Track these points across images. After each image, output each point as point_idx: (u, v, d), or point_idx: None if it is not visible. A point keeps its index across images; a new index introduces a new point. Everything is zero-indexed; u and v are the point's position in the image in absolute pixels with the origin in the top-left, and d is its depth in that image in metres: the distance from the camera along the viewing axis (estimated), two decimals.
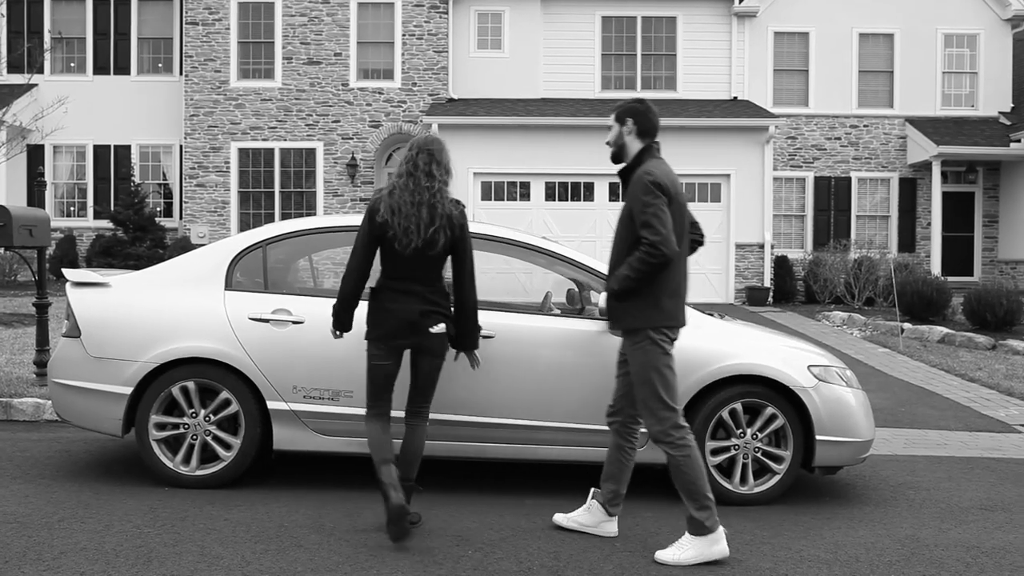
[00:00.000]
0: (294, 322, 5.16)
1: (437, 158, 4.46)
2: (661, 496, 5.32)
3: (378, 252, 4.49)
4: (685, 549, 4.16)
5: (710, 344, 5.16)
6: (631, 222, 4.29)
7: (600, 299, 4.85)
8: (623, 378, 4.50)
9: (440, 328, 4.46)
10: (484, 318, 5.04)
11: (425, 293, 4.44)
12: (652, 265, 4.13)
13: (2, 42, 20.53)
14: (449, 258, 4.52)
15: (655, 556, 4.19)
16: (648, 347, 4.23)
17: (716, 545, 4.16)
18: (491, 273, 5.67)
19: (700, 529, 4.16)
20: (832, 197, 20.69)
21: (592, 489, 4.66)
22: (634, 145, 4.41)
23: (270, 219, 19.61)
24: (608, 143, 4.51)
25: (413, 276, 4.43)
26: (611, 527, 4.55)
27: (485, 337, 5.05)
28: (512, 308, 5.31)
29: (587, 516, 4.58)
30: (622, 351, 4.46)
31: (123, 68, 20.61)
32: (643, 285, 4.21)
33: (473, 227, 5.21)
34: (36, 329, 7.85)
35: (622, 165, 4.45)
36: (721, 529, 4.19)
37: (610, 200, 18.56)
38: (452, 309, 4.55)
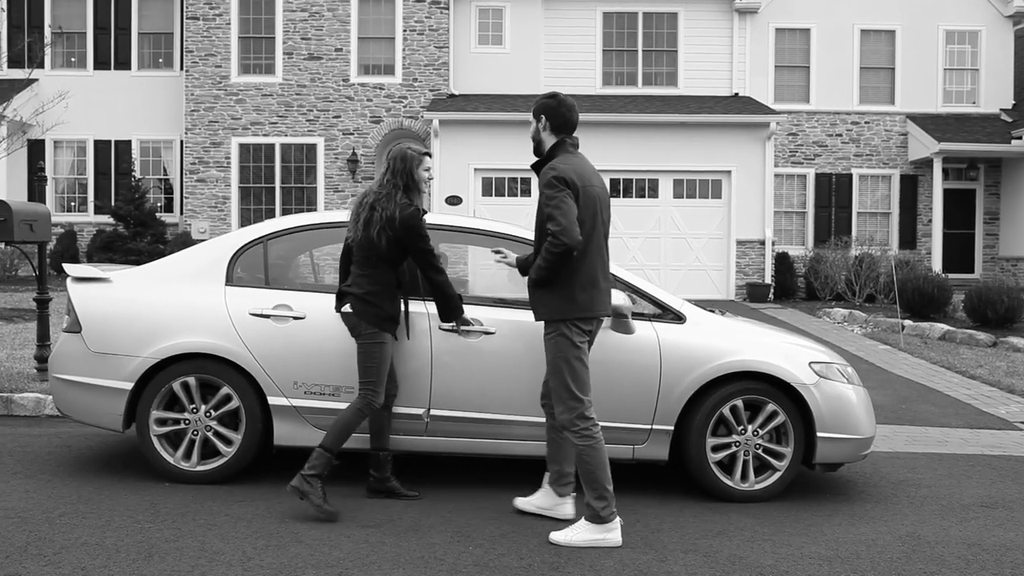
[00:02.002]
0: (295, 318, 5.16)
1: (391, 165, 4.88)
2: (663, 493, 5.32)
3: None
4: (578, 532, 4.32)
5: (711, 341, 5.15)
6: (543, 214, 4.42)
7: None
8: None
9: (346, 308, 4.82)
10: (484, 314, 5.06)
11: (355, 277, 4.85)
12: (556, 255, 4.23)
13: (3, 37, 20.50)
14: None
15: (549, 536, 4.35)
16: (558, 339, 4.37)
17: (609, 534, 4.32)
18: (493, 268, 5.70)
19: (596, 518, 4.32)
20: (833, 194, 20.67)
21: (546, 473, 4.81)
22: (548, 140, 4.54)
23: (271, 215, 19.59)
24: (531, 137, 4.65)
25: (356, 262, 4.86)
26: (567, 509, 4.71)
27: (486, 333, 5.05)
28: (512, 304, 5.28)
29: (543, 499, 4.77)
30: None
31: (123, 63, 20.59)
32: (555, 275, 4.32)
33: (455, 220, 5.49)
34: (37, 324, 7.85)
35: (539, 164, 4.58)
36: (618, 520, 4.35)
37: (610, 196, 18.55)
38: (373, 292, 4.78)
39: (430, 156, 5.02)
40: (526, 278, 4.96)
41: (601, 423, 5.07)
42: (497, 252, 4.97)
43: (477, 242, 5.62)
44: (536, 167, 4.54)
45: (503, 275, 5.32)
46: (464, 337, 5.09)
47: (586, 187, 4.37)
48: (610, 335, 5.07)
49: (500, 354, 5.08)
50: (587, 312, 4.36)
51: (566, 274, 4.33)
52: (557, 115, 4.50)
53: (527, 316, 5.15)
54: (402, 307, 5.01)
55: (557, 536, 4.33)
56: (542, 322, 4.60)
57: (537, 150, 4.60)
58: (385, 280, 4.83)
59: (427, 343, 5.10)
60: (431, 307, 5.16)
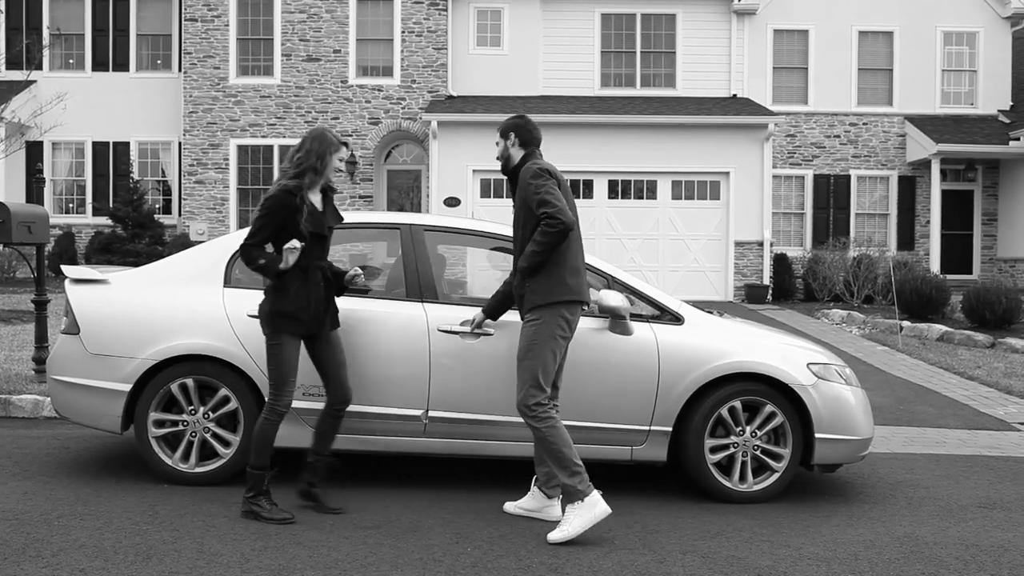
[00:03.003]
0: None
1: (298, 144, 4.80)
2: (661, 494, 5.32)
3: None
4: (569, 524, 4.35)
5: (709, 342, 5.16)
6: (527, 211, 4.55)
7: (602, 296, 4.87)
8: None
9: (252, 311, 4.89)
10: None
11: None
12: (554, 235, 4.40)
13: (1, 38, 20.50)
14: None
15: (547, 538, 4.34)
16: (542, 326, 4.48)
17: (596, 507, 4.36)
18: (490, 270, 5.71)
19: (575, 495, 4.37)
20: (831, 195, 20.69)
21: (534, 476, 4.81)
22: (517, 154, 4.75)
23: None
24: (497, 158, 4.83)
25: None
26: (555, 511, 4.71)
27: (484, 335, 5.06)
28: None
29: (531, 502, 4.79)
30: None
31: (122, 64, 20.59)
32: (548, 258, 4.46)
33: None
34: (35, 326, 7.85)
35: (513, 172, 4.76)
36: (596, 492, 4.39)
37: (609, 198, 18.57)
38: (268, 288, 4.67)
39: (347, 147, 4.93)
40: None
41: (599, 424, 5.07)
42: (466, 329, 5.05)
43: (473, 243, 5.63)
44: (511, 173, 4.74)
45: (500, 276, 5.32)
46: (463, 339, 5.09)
47: (561, 182, 4.60)
48: (608, 336, 5.07)
49: (500, 355, 5.08)
50: (577, 295, 4.53)
51: (555, 261, 4.50)
52: (525, 131, 4.73)
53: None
54: (312, 304, 4.63)
55: (555, 535, 4.35)
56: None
57: (505, 166, 4.79)
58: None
59: (425, 344, 5.10)
60: (429, 309, 5.16)
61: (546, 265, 4.49)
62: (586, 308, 4.75)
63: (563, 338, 4.54)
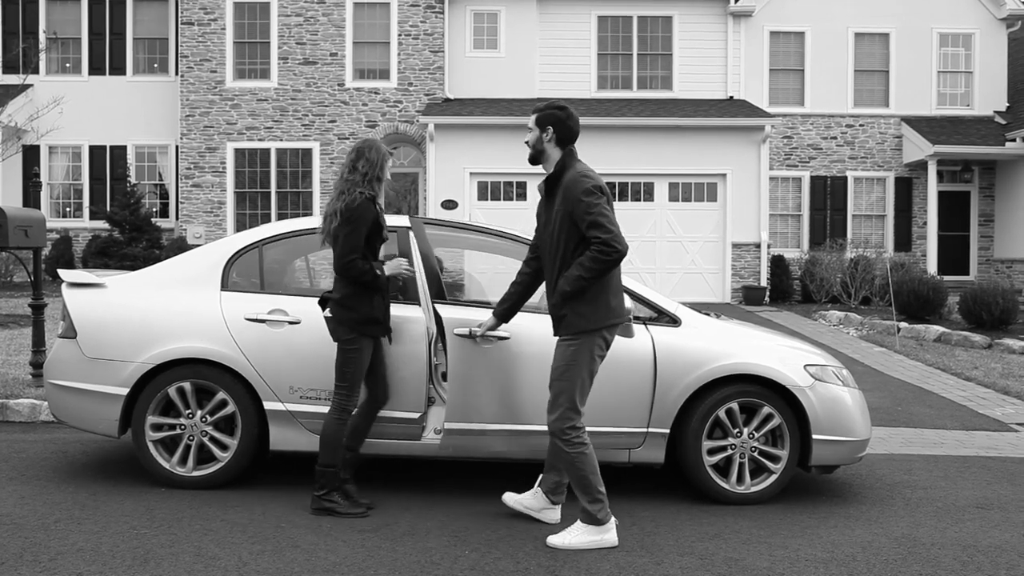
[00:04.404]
0: (290, 322, 5.16)
1: (356, 155, 4.83)
2: (659, 496, 5.32)
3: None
4: (574, 535, 4.33)
5: (706, 344, 5.16)
6: (571, 225, 4.31)
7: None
8: None
9: (326, 313, 4.81)
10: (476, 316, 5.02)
11: (334, 280, 4.81)
12: (606, 263, 4.20)
13: None
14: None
15: (547, 540, 4.35)
16: (581, 349, 4.32)
17: (606, 534, 4.34)
18: (506, 273, 5.69)
19: (592, 520, 4.34)
20: (828, 196, 20.71)
21: (540, 475, 4.78)
22: (554, 152, 4.48)
23: (266, 219, 19.59)
24: (527, 143, 4.55)
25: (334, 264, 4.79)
26: (554, 515, 4.70)
27: (500, 338, 5.00)
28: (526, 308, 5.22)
29: (532, 500, 4.75)
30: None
31: (119, 68, 20.57)
32: (594, 284, 4.27)
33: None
34: (32, 330, 7.84)
35: (540, 169, 4.57)
36: (613, 520, 4.37)
37: None
38: (348, 295, 4.73)
39: (392, 155, 5.00)
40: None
41: (598, 427, 5.06)
42: (474, 335, 4.90)
43: (471, 244, 5.63)
44: (550, 179, 4.46)
45: (509, 279, 5.34)
46: (480, 343, 4.99)
47: (609, 197, 4.36)
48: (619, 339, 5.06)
49: (518, 359, 5.02)
50: (619, 317, 4.37)
51: (602, 282, 4.30)
52: (566, 128, 4.45)
53: (536, 320, 5.09)
54: (388, 308, 4.88)
55: (554, 540, 4.34)
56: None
57: (535, 158, 4.54)
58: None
59: (424, 346, 5.09)
60: (445, 311, 5.09)
61: (590, 289, 4.29)
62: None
63: (600, 358, 4.40)
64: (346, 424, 4.78)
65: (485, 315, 4.99)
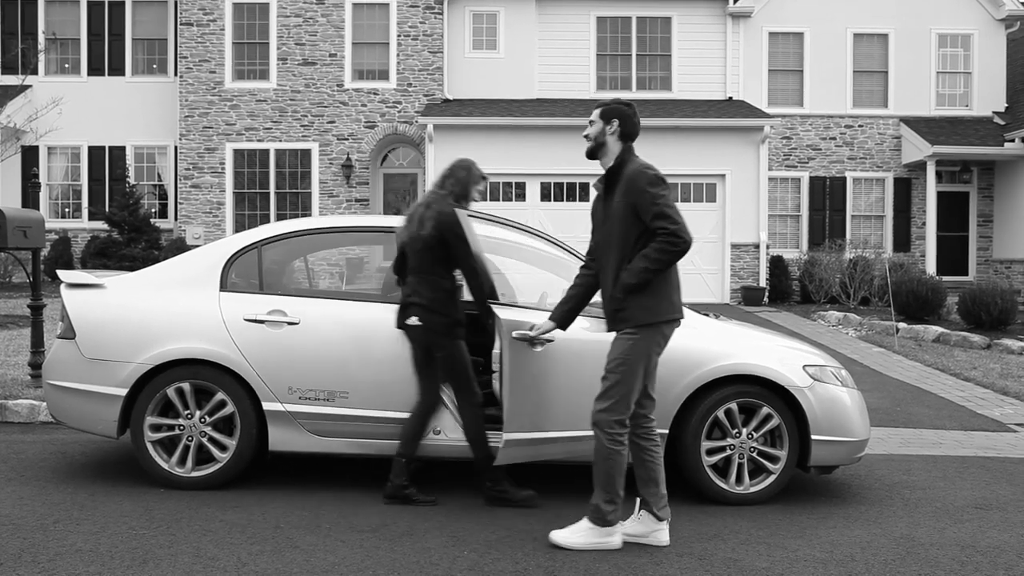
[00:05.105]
0: (289, 323, 5.16)
1: (447, 172, 5.04)
2: None
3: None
4: (580, 535, 4.28)
5: (706, 344, 5.16)
6: (633, 218, 4.27)
7: None
8: None
9: (413, 321, 4.85)
10: (530, 318, 4.89)
11: (414, 284, 4.90)
12: (673, 254, 4.17)
13: None
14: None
15: (549, 536, 4.32)
16: (641, 343, 4.24)
17: (611, 537, 4.30)
18: (534, 274, 5.66)
19: (602, 521, 4.30)
20: (827, 197, 20.72)
21: (638, 499, 4.50)
22: (615, 146, 4.46)
23: (265, 220, 19.59)
24: (586, 136, 4.52)
25: (412, 269, 4.93)
26: (663, 535, 4.41)
27: (547, 341, 4.84)
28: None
29: (638, 527, 4.43)
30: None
31: (117, 69, 20.58)
32: (658, 277, 4.23)
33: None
34: (31, 331, 7.84)
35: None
36: (620, 524, 4.33)
37: None
38: (437, 299, 4.83)
39: (485, 179, 5.17)
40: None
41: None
42: (528, 339, 4.71)
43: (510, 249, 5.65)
44: (610, 173, 4.42)
45: (533, 280, 5.35)
46: (530, 346, 4.83)
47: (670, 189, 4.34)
48: (603, 339, 5.06)
49: (579, 361, 4.95)
50: (679, 313, 4.33)
51: (664, 276, 4.27)
52: (631, 124, 4.45)
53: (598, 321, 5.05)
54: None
55: (558, 537, 4.31)
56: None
57: (594, 151, 4.50)
58: (445, 285, 4.88)
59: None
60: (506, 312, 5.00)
61: (652, 283, 4.23)
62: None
63: (658, 354, 4.33)
64: (482, 415, 4.92)
65: (534, 317, 4.85)
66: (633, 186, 4.27)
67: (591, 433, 4.74)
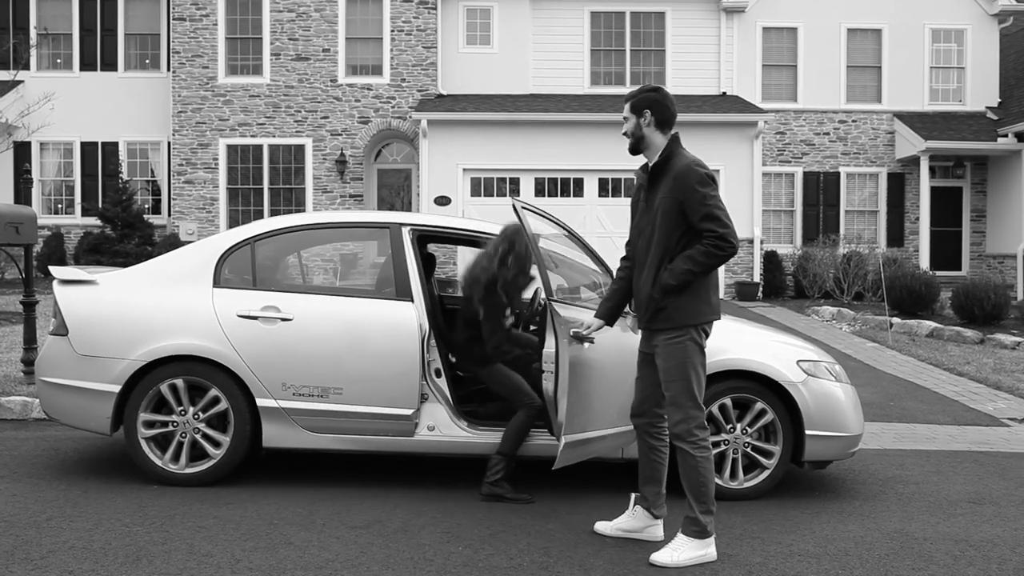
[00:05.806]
0: (283, 319, 5.15)
1: (515, 249, 5.16)
2: None
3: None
4: (683, 551, 4.08)
5: None
6: (678, 216, 4.11)
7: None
8: (647, 378, 4.34)
9: None
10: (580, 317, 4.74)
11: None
12: (719, 258, 4.04)
13: None
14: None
15: (651, 558, 4.09)
16: (687, 344, 4.11)
17: (710, 548, 4.13)
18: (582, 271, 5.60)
19: (700, 533, 4.11)
20: (821, 192, 20.75)
21: (633, 494, 4.50)
22: (656, 137, 4.27)
23: (259, 216, 19.54)
24: (625, 134, 4.33)
25: None
26: (658, 531, 4.42)
27: (588, 341, 4.65)
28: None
29: (631, 521, 4.44)
30: (644, 349, 4.34)
31: (110, 64, 20.50)
32: (699, 279, 4.08)
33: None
34: (24, 327, 7.81)
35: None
36: (714, 536, 4.20)
37: (599, 196, 18.57)
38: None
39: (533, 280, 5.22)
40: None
41: (595, 429, 4.96)
42: (580, 337, 4.45)
43: (464, 242, 5.62)
44: (656, 167, 4.23)
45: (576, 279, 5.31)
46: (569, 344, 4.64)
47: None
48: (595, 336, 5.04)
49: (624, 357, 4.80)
50: (717, 315, 4.20)
51: (704, 277, 4.13)
52: (663, 108, 4.24)
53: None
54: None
55: (661, 558, 4.05)
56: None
57: (635, 147, 4.31)
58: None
59: (417, 343, 5.09)
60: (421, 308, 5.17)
61: (693, 284, 4.09)
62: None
63: (704, 351, 4.19)
64: (533, 420, 5.04)
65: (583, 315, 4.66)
66: (681, 183, 4.09)
67: (631, 427, 4.59)
